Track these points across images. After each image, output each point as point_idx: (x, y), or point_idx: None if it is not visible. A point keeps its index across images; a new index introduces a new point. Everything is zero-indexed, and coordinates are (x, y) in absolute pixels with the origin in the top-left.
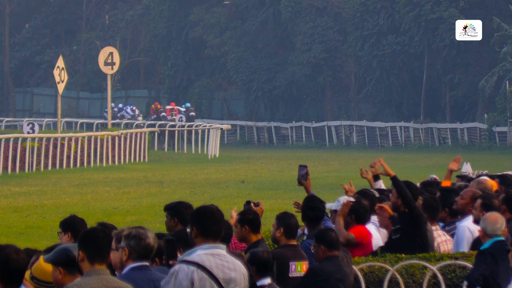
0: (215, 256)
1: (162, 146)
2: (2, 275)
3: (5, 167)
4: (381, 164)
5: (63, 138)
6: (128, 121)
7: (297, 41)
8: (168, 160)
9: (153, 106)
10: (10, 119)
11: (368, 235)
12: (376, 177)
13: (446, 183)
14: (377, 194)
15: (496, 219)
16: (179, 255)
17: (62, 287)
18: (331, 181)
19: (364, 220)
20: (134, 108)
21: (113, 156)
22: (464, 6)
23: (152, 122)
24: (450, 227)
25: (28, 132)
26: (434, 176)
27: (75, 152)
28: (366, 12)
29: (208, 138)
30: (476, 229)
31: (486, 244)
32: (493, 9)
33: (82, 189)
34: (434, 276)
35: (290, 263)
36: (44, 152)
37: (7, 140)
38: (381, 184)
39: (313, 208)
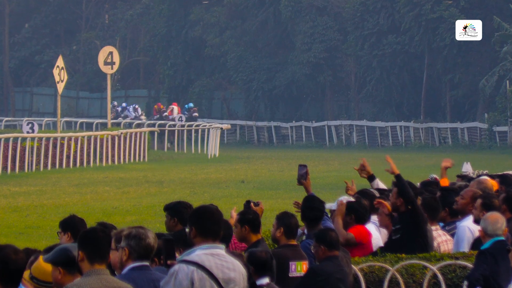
0: (214, 256)
1: (162, 145)
2: (1, 275)
3: (4, 167)
4: (388, 161)
5: (62, 138)
6: (131, 120)
7: (297, 40)
8: (168, 160)
9: (156, 106)
10: (9, 118)
11: (368, 235)
12: (371, 178)
13: (444, 182)
14: (377, 194)
15: (497, 219)
16: (177, 255)
17: (61, 287)
18: (331, 181)
19: (364, 220)
20: (137, 107)
21: (113, 156)
22: (465, 6)
23: (153, 121)
24: (450, 226)
25: (28, 132)
26: (435, 175)
27: (75, 151)
28: (366, 11)
29: (208, 137)
30: (476, 229)
31: (487, 244)
32: (494, 8)
33: (81, 189)
34: (435, 276)
35: (290, 263)
36: (43, 151)
37: (7, 139)
38: (378, 183)
39: (312, 208)
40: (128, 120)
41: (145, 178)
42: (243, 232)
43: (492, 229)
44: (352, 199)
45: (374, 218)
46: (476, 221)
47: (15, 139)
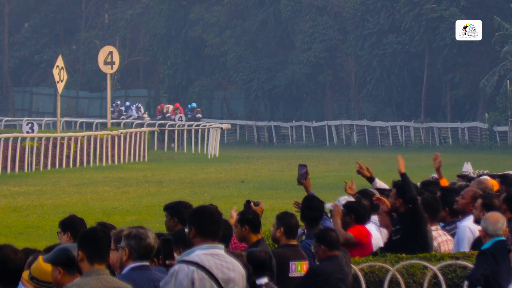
0: (214, 256)
1: (162, 145)
2: (0, 275)
3: (4, 167)
4: (398, 160)
5: (62, 138)
6: (133, 120)
7: (297, 40)
8: (168, 160)
9: (159, 107)
10: (9, 118)
11: (368, 235)
12: (371, 179)
13: (443, 182)
14: (377, 194)
15: (497, 219)
16: (175, 255)
17: (61, 287)
18: (332, 181)
19: (364, 220)
20: (140, 106)
21: (113, 156)
22: (465, 5)
23: (153, 121)
24: (450, 226)
25: (28, 132)
26: (435, 175)
27: (75, 151)
28: (366, 11)
29: (208, 137)
30: (476, 229)
31: (487, 244)
32: (494, 8)
33: (81, 188)
34: (435, 276)
35: (290, 263)
36: (43, 151)
37: (6, 139)
38: (380, 183)
39: (312, 208)
40: (130, 119)
41: (145, 178)
42: (243, 232)
43: (493, 229)
44: (352, 199)
45: (375, 218)
46: (477, 221)
47: (15, 139)
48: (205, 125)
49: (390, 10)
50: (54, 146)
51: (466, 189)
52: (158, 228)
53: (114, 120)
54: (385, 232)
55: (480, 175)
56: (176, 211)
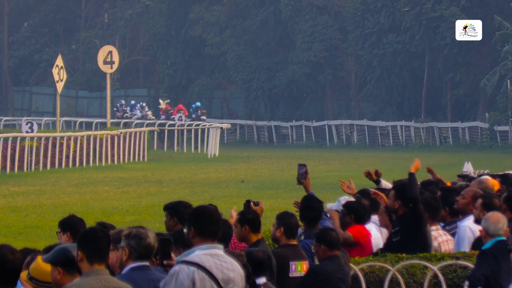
0: (213, 256)
1: (161, 145)
2: None
3: (3, 167)
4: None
5: (62, 138)
6: (138, 120)
7: (297, 39)
8: (168, 160)
9: (163, 107)
10: (8, 118)
11: (367, 235)
12: (377, 182)
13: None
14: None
15: (499, 219)
16: (173, 255)
17: (61, 287)
18: (332, 181)
19: (364, 220)
20: (144, 105)
21: (113, 156)
22: (465, 5)
23: (153, 121)
24: (450, 226)
25: (27, 131)
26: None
27: (74, 151)
28: (366, 10)
29: (207, 137)
30: (477, 229)
31: (488, 244)
32: (494, 7)
33: (81, 188)
34: (435, 276)
35: (290, 263)
36: (43, 151)
37: (6, 139)
38: (382, 184)
39: (311, 208)
40: (134, 118)
41: (144, 178)
42: (243, 232)
43: (494, 229)
44: (352, 198)
45: (375, 218)
46: (477, 221)
47: (14, 138)
48: (205, 125)
49: (390, 10)
50: (54, 146)
51: (467, 189)
52: (158, 228)
53: (115, 120)
54: (385, 232)
55: (481, 175)
56: (176, 211)
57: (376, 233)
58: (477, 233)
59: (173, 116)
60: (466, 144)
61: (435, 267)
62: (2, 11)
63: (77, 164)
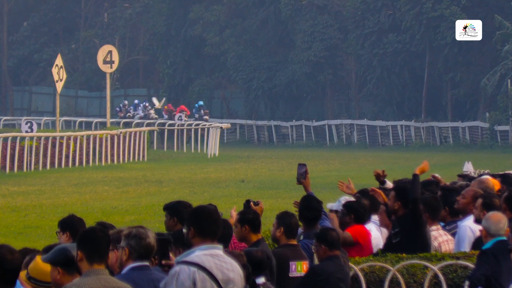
0: (213, 256)
1: (162, 145)
2: None
3: (3, 166)
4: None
5: (61, 137)
6: (138, 120)
7: (298, 39)
8: (167, 159)
9: (166, 107)
10: (8, 118)
11: (366, 234)
12: (383, 182)
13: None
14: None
15: (500, 219)
16: (172, 255)
17: (60, 287)
18: (332, 180)
19: (364, 220)
20: (147, 104)
21: (112, 155)
22: (466, 4)
23: (154, 121)
24: (450, 226)
25: (27, 131)
26: (437, 175)
27: (74, 151)
28: (367, 10)
29: (207, 137)
30: (477, 229)
31: (488, 244)
32: (495, 7)
33: (81, 188)
34: (436, 276)
35: (290, 262)
36: (42, 151)
37: (5, 139)
38: (387, 184)
39: (310, 207)
40: (136, 118)
41: (144, 178)
42: (243, 231)
43: (495, 229)
44: (352, 199)
45: (375, 218)
46: (477, 220)
47: (14, 138)
48: (205, 125)
49: (390, 9)
50: (53, 146)
51: (467, 189)
52: (158, 228)
53: (115, 120)
54: (385, 232)
55: (481, 175)
56: (176, 210)
57: (376, 233)
58: (478, 233)
59: (175, 114)
60: (466, 144)
61: (435, 267)
62: (2, 10)
63: (77, 164)
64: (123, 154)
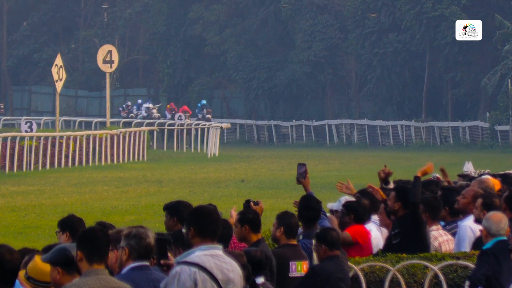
0: (214, 256)
1: (161, 145)
2: None
3: (3, 166)
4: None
5: (61, 137)
6: (138, 120)
7: (298, 39)
8: (167, 159)
9: (168, 106)
10: (8, 117)
11: (366, 234)
12: (386, 182)
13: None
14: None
15: (500, 219)
16: (170, 255)
17: (60, 287)
18: (332, 180)
19: (363, 219)
20: (150, 104)
21: (112, 155)
22: (466, 4)
23: (155, 121)
24: (450, 226)
25: (26, 131)
26: (437, 175)
27: (74, 151)
28: (367, 9)
29: (207, 137)
30: (477, 229)
31: (488, 244)
32: (495, 6)
33: (80, 188)
34: (436, 276)
35: (290, 262)
36: (42, 151)
37: (5, 139)
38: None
39: (309, 207)
40: (139, 118)
41: (144, 178)
42: (243, 231)
43: (496, 229)
44: (353, 199)
45: (375, 218)
46: (477, 220)
47: (14, 138)
48: (205, 124)
49: (390, 9)
50: (53, 146)
51: (467, 189)
52: (158, 228)
53: (115, 119)
54: (385, 231)
55: (481, 175)
56: (176, 210)
57: (376, 233)
58: (478, 233)
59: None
60: (466, 143)
61: (435, 267)
62: (1, 10)
63: (77, 163)
64: (123, 154)
